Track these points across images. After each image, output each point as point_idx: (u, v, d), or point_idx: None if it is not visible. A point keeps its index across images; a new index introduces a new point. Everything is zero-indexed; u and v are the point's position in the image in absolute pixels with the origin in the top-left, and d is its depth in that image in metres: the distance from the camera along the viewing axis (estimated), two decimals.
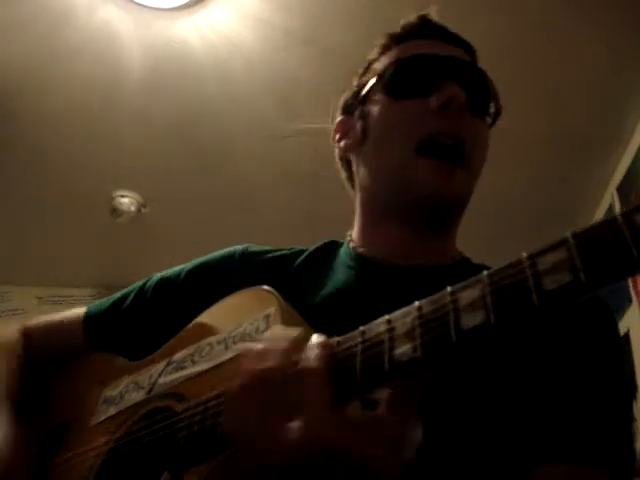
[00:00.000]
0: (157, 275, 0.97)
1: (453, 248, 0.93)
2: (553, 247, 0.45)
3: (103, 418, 0.75)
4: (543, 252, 0.45)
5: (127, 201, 2.95)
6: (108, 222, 3.02)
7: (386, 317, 0.52)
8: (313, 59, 2.32)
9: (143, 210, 3.01)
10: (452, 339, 0.47)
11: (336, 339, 0.55)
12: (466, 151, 0.86)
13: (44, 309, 3.35)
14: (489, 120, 0.93)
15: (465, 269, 0.50)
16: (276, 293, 0.68)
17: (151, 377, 0.73)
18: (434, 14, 0.96)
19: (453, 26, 0.95)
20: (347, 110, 0.99)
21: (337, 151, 1.01)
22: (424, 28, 0.95)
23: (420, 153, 0.85)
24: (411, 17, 0.96)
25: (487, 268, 0.50)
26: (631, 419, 0.75)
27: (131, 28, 2.25)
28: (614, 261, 0.41)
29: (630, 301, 2.31)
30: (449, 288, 0.49)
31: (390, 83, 0.90)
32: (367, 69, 0.97)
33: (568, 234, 0.44)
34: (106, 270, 3.30)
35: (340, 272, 0.89)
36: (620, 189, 2.58)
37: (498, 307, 0.46)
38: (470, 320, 0.46)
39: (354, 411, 0.56)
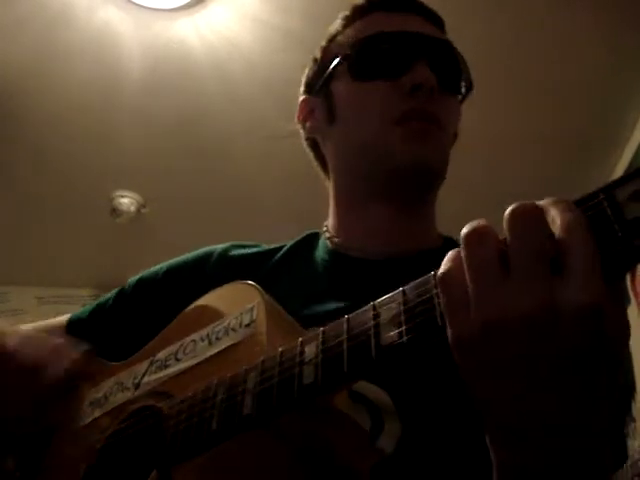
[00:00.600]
0: (137, 276, 0.96)
1: (432, 228, 0.90)
2: None
3: (89, 420, 0.74)
4: None
5: (127, 201, 2.95)
6: (108, 222, 3.02)
7: (371, 304, 0.51)
8: None
9: (143, 210, 3.01)
10: (439, 323, 0.46)
11: (321, 329, 0.54)
12: (441, 120, 0.84)
13: (44, 309, 3.35)
14: (459, 97, 0.90)
15: (448, 250, 0.48)
16: (258, 287, 0.67)
17: (135, 377, 0.72)
18: None
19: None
20: (310, 89, 0.94)
21: (302, 132, 0.97)
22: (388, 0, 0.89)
23: (395, 123, 0.82)
24: None
25: None
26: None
27: (131, 29, 2.25)
28: (597, 237, 0.42)
29: (628, 301, 2.31)
30: (433, 272, 0.48)
31: (356, 64, 0.85)
32: (331, 42, 0.92)
33: None
34: (106, 270, 3.30)
35: (316, 268, 0.87)
36: None
37: None
38: None
39: (342, 401, 0.56)
